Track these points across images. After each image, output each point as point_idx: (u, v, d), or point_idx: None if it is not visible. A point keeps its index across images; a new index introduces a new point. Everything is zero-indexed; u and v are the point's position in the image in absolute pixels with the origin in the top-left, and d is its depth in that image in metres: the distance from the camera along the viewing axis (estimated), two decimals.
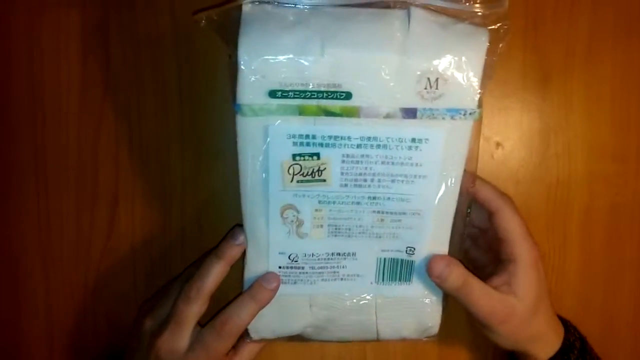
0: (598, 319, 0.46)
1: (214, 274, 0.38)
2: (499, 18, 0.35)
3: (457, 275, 0.37)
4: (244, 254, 0.39)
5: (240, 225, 0.39)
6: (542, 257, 0.40)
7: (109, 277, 0.47)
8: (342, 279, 0.40)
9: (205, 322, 0.39)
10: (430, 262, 0.38)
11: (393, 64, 0.34)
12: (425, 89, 0.34)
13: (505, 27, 0.35)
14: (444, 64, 0.34)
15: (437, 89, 0.34)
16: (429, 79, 0.34)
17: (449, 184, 0.37)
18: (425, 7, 0.35)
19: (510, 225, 0.39)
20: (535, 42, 0.46)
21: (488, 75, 0.35)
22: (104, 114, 0.46)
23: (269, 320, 0.40)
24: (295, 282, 0.40)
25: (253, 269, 0.39)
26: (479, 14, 0.35)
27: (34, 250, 0.47)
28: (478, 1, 0.35)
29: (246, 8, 0.35)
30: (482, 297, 0.37)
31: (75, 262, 0.47)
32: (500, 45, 0.35)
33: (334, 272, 0.40)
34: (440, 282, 0.38)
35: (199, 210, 0.47)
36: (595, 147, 0.46)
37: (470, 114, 0.35)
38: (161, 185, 0.46)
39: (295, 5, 0.35)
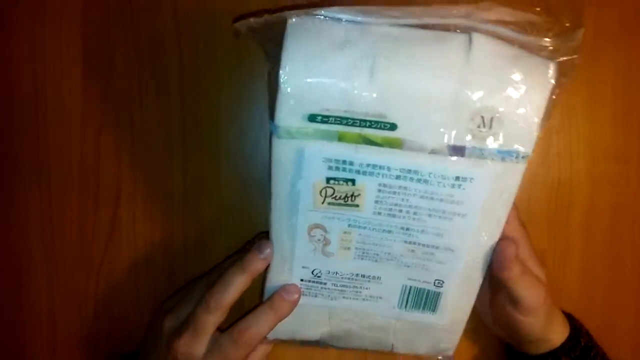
0: (599, 319, 0.46)
1: (236, 286, 0.37)
2: (569, 51, 0.32)
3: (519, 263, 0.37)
4: None
5: (265, 233, 0.38)
6: (543, 256, 0.41)
7: (111, 277, 0.47)
8: (363, 299, 0.39)
9: (225, 326, 0.39)
10: (499, 255, 0.36)
11: (446, 98, 0.31)
12: (479, 127, 0.32)
13: (574, 61, 0.32)
14: (503, 101, 0.31)
15: (490, 128, 0.32)
16: (483, 117, 0.31)
17: (491, 226, 0.35)
18: (489, 33, 0.32)
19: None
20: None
21: (547, 116, 0.32)
22: (106, 114, 0.46)
23: (287, 324, 0.39)
24: (316, 296, 0.39)
25: (275, 278, 0.39)
26: (549, 47, 0.32)
27: (37, 250, 0.47)
28: (547, 34, 0.32)
29: (292, 20, 0.32)
30: (532, 281, 0.38)
31: (78, 262, 0.47)
32: (564, 80, 0.32)
33: (356, 291, 0.39)
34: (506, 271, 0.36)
35: (201, 211, 0.47)
36: (597, 148, 0.46)
37: (522, 157, 0.33)
38: (163, 186, 0.46)
39: (347, 20, 0.32)
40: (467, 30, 0.32)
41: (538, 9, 0.32)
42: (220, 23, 0.44)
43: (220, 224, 0.46)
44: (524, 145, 0.32)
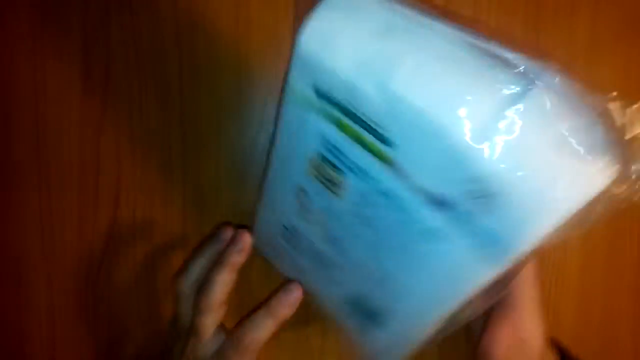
0: (598, 319, 0.46)
1: (221, 283, 0.38)
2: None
3: None
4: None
5: (239, 226, 0.39)
6: (541, 259, 0.40)
7: (111, 277, 0.48)
8: (325, 274, 0.38)
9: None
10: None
11: (459, 146, 0.25)
12: (477, 194, 0.25)
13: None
14: (522, 184, 0.24)
15: (491, 202, 0.25)
16: (490, 186, 0.25)
17: (447, 292, 0.31)
18: (556, 90, 0.25)
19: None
20: (536, 43, 0.46)
21: (578, 227, 0.25)
22: (105, 114, 0.45)
23: (272, 249, 0.42)
24: (294, 248, 0.40)
25: (264, 224, 0.41)
26: (615, 144, 0.24)
27: (37, 250, 0.47)
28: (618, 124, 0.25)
29: None
30: None
31: (78, 262, 0.47)
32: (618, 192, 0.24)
33: (321, 265, 0.38)
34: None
35: (201, 211, 0.47)
36: None
37: (505, 256, 0.26)
38: (163, 186, 0.46)
39: (400, 7, 0.28)
40: (527, 74, 0.25)
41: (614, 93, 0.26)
42: (220, 23, 0.44)
43: (220, 222, 0.47)
44: (514, 246, 0.26)
